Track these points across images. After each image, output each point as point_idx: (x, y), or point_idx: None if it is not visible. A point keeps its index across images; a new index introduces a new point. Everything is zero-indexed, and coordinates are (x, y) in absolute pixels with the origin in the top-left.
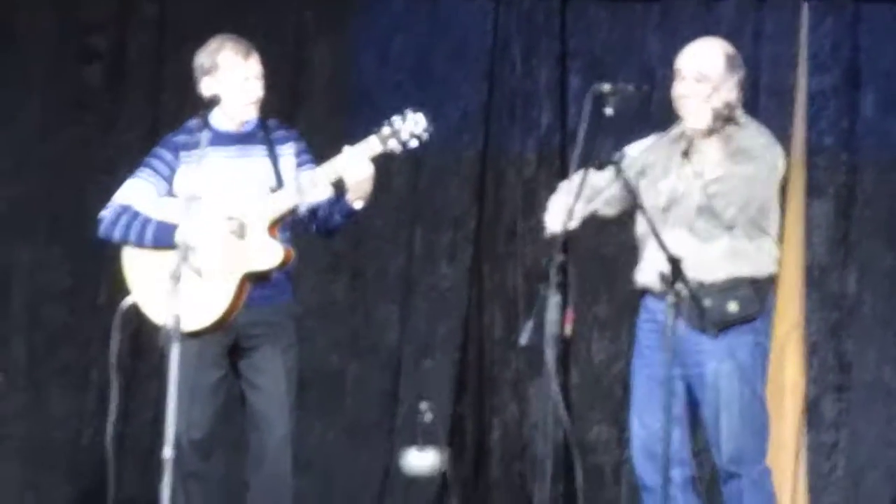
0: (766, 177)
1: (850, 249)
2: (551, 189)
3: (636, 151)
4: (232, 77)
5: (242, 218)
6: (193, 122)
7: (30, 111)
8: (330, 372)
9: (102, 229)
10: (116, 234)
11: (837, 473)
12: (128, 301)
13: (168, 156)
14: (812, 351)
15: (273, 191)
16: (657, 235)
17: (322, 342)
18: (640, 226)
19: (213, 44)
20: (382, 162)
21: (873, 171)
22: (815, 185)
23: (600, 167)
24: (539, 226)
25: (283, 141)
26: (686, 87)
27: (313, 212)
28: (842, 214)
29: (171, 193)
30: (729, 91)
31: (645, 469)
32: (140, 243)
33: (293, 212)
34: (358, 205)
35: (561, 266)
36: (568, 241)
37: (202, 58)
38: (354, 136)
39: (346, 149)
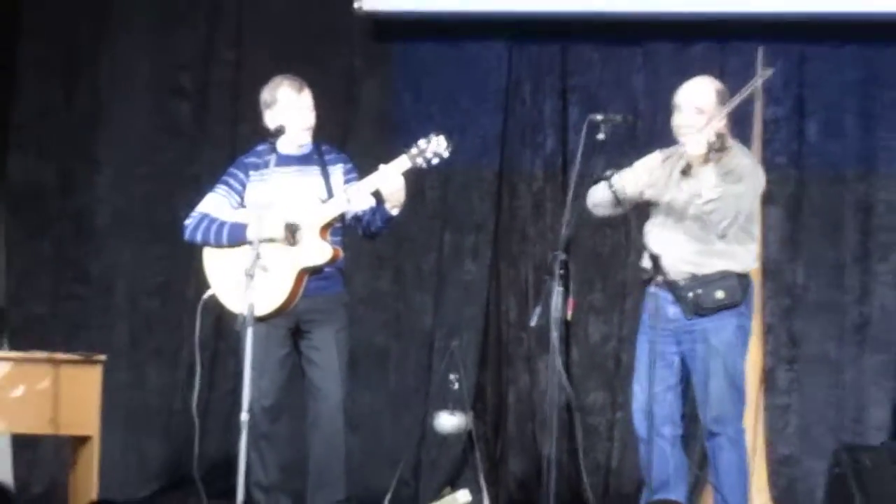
0: (753, 193)
1: (798, 248)
2: (556, 201)
3: (642, 167)
4: (289, 108)
5: (299, 223)
6: (262, 147)
7: (133, 137)
8: (376, 350)
9: (187, 234)
10: (198, 237)
11: (789, 430)
12: (208, 293)
13: (240, 174)
14: (767, 330)
15: (324, 202)
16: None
17: (369, 325)
18: (647, 226)
19: (273, 82)
20: (416, 177)
21: (817, 184)
22: (770, 195)
23: (596, 181)
24: (546, 229)
25: (334, 161)
26: (684, 118)
27: (358, 218)
28: (791, 219)
29: (242, 205)
30: (720, 122)
31: (641, 425)
32: (218, 244)
33: (341, 218)
34: (395, 212)
35: (563, 262)
36: (569, 242)
37: (265, 94)
38: (394, 158)
39: (382, 166)
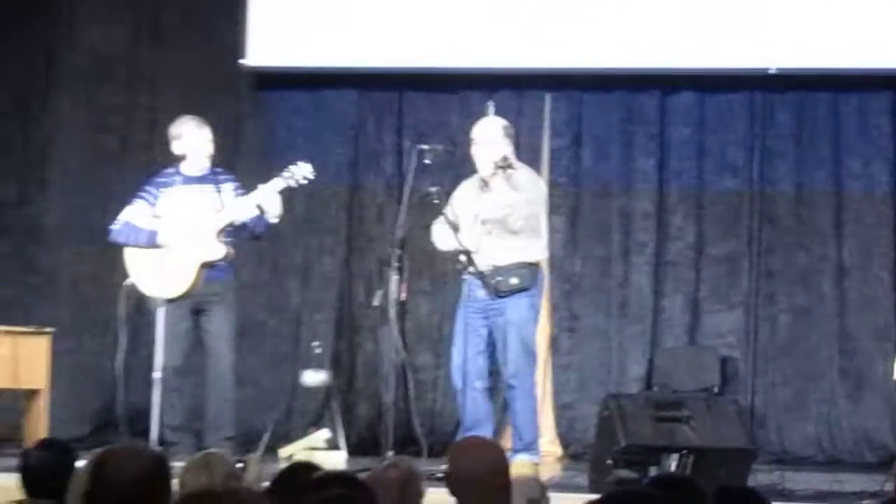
0: (536, 198)
1: (577, 246)
2: (393, 210)
3: (458, 192)
4: (192, 141)
5: (197, 227)
6: (170, 170)
7: (74, 163)
8: (257, 323)
9: (112, 236)
10: (121, 239)
11: (570, 383)
12: (128, 281)
13: (153, 190)
14: (554, 308)
15: (218, 212)
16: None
17: (252, 304)
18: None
19: (180, 120)
20: (288, 194)
21: (590, 198)
22: (555, 206)
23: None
24: (386, 232)
25: (226, 181)
26: (478, 149)
27: (244, 225)
28: (571, 224)
29: (155, 214)
30: (505, 148)
31: (458, 380)
32: (136, 245)
33: (231, 224)
34: (273, 220)
35: (399, 257)
36: (404, 241)
37: (173, 129)
38: (271, 180)
39: (261, 185)
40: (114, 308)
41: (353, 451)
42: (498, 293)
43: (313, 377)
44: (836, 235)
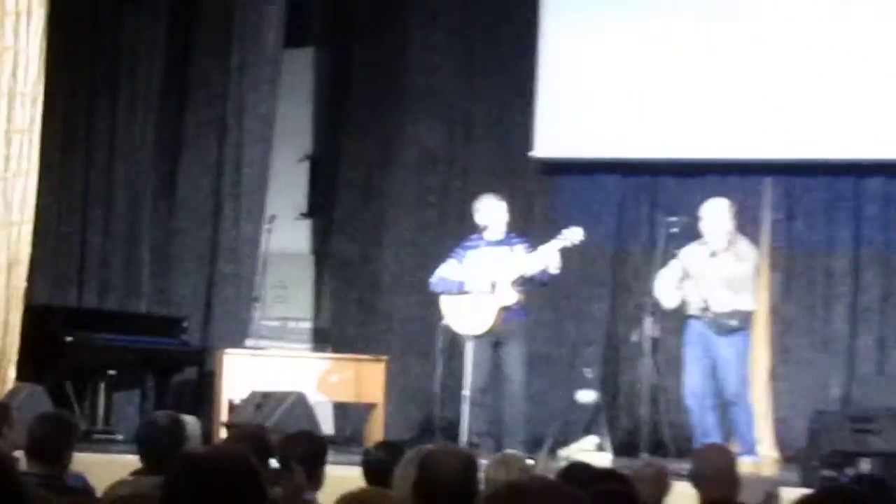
0: (753, 265)
1: (790, 295)
2: (647, 266)
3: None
4: (491, 213)
5: (496, 279)
6: (476, 236)
7: None
8: (542, 354)
9: (431, 287)
10: (438, 289)
11: (785, 403)
12: (444, 321)
13: (462, 252)
14: (773, 343)
15: (513, 266)
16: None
17: (539, 339)
18: None
19: (483, 197)
20: (567, 253)
21: (802, 259)
22: (774, 264)
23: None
24: (641, 283)
25: (518, 243)
26: (705, 224)
27: (532, 277)
28: (786, 278)
29: (462, 270)
30: (728, 223)
31: (691, 403)
32: (449, 292)
33: (522, 276)
34: (554, 272)
35: (653, 304)
36: None
37: (476, 204)
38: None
39: (543, 246)
40: (433, 342)
41: (616, 453)
42: (722, 331)
43: (585, 396)
44: None
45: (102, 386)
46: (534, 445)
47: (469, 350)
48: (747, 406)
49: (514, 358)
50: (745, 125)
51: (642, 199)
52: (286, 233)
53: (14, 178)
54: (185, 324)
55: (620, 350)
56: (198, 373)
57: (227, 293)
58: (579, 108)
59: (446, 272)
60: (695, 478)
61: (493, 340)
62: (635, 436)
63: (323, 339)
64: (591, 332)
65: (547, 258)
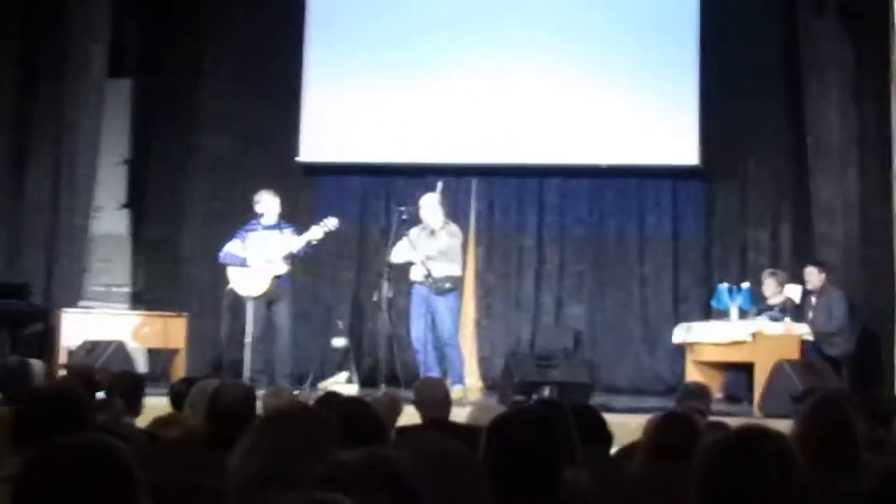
0: (459, 242)
1: (490, 265)
2: (384, 243)
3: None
4: (268, 204)
5: (269, 256)
6: (255, 221)
7: None
8: (304, 311)
9: (220, 259)
10: (226, 261)
11: (487, 346)
12: (230, 286)
13: (243, 233)
14: (477, 301)
15: (283, 245)
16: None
17: (304, 301)
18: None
19: (260, 192)
20: (324, 236)
21: (499, 238)
22: (478, 242)
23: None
24: (381, 257)
25: (286, 227)
26: (424, 212)
27: (297, 253)
28: (487, 253)
29: (244, 246)
30: (438, 210)
31: (417, 344)
32: (233, 265)
33: (291, 253)
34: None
35: (388, 272)
36: (391, 263)
37: (256, 197)
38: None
39: (309, 231)
40: (221, 303)
41: (361, 385)
42: (439, 292)
43: (338, 342)
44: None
45: None
46: (298, 380)
47: (249, 308)
48: (458, 348)
49: (283, 314)
50: (458, 138)
51: (380, 194)
52: (109, 220)
53: None
54: (31, 289)
55: (364, 307)
56: (42, 327)
57: (63, 266)
58: (334, 123)
59: (231, 248)
60: (418, 403)
61: (268, 301)
62: (375, 371)
63: (138, 300)
64: (342, 294)
65: (309, 239)
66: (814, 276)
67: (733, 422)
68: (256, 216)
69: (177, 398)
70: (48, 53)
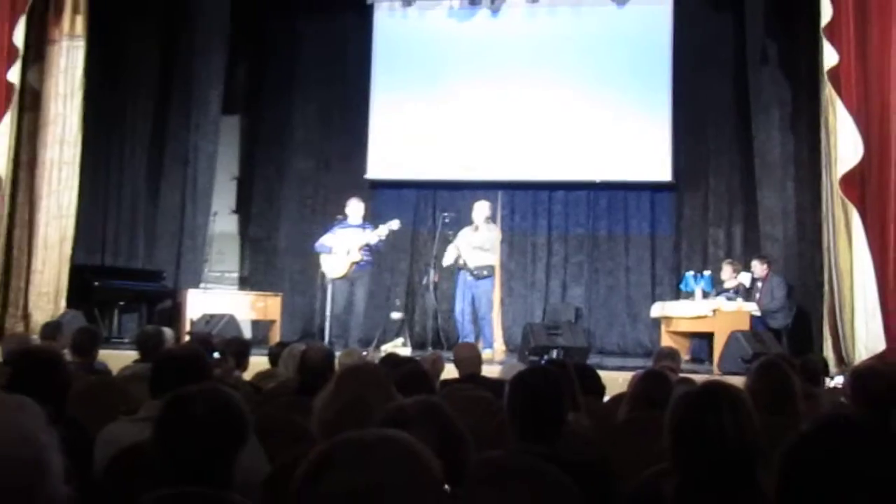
0: (497, 237)
1: (512, 257)
2: (433, 242)
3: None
4: (352, 208)
5: (350, 246)
6: (341, 218)
7: None
8: (372, 291)
9: (315, 249)
10: (318, 250)
11: (509, 318)
12: (321, 270)
13: (334, 230)
14: (502, 284)
15: (361, 239)
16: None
17: (371, 282)
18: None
19: (349, 200)
20: (391, 232)
21: (518, 237)
22: (504, 239)
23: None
24: (429, 252)
25: (366, 227)
26: (475, 214)
27: (371, 245)
28: (510, 247)
29: (333, 240)
30: (485, 214)
31: (458, 317)
32: (324, 252)
33: (367, 244)
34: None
35: (434, 263)
36: (437, 256)
37: (347, 202)
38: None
39: (379, 228)
40: (308, 286)
41: (413, 348)
42: (477, 277)
43: (395, 314)
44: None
45: (116, 311)
46: (366, 343)
47: (331, 287)
48: (490, 321)
49: (360, 293)
50: (488, 160)
51: (428, 203)
52: (223, 222)
53: (63, 191)
54: (164, 274)
55: (415, 289)
56: (171, 303)
57: (188, 257)
58: (393, 149)
59: (323, 240)
60: (456, 362)
61: (350, 281)
62: (424, 338)
63: (244, 283)
64: (399, 278)
65: (378, 234)
66: (758, 267)
67: (698, 378)
68: (345, 217)
69: (274, 358)
70: (179, 94)
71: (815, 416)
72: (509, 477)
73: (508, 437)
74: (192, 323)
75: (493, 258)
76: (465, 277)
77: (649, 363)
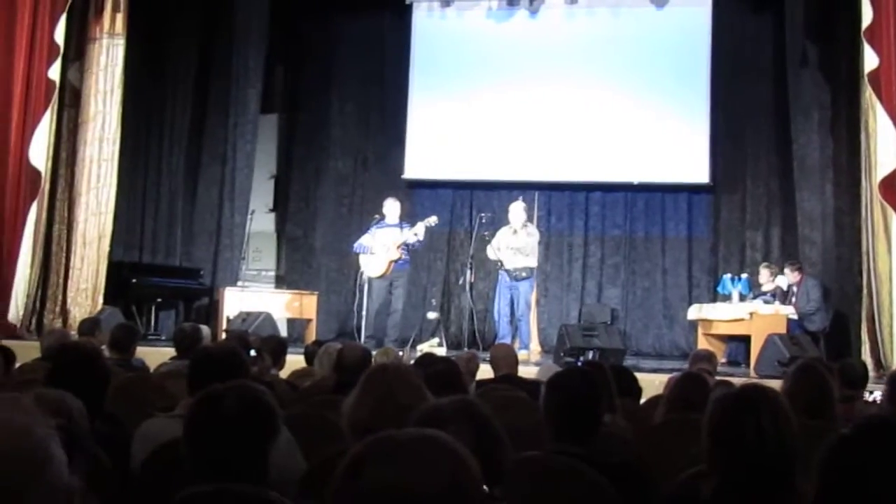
0: (535, 239)
1: (548, 258)
2: (470, 241)
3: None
4: (391, 207)
5: (389, 245)
6: (379, 218)
7: None
8: (407, 290)
9: (354, 249)
10: (357, 250)
11: (545, 320)
12: (360, 270)
13: (373, 230)
14: (538, 286)
15: (399, 237)
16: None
17: (418, 281)
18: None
19: (386, 200)
20: (428, 231)
21: (555, 238)
22: (541, 240)
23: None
24: (466, 251)
25: (403, 226)
26: (511, 216)
27: (409, 244)
28: (546, 249)
29: (372, 238)
30: (522, 215)
31: (496, 316)
32: (362, 253)
33: (405, 243)
34: (420, 241)
35: (470, 263)
36: (472, 255)
37: (384, 203)
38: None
39: (416, 225)
40: (344, 285)
41: (449, 348)
42: (516, 279)
43: (431, 314)
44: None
45: (153, 308)
46: (402, 343)
47: (367, 286)
48: (527, 321)
49: (398, 293)
50: (525, 161)
51: (465, 203)
52: (260, 220)
53: (102, 188)
54: (201, 272)
55: (451, 289)
56: (209, 301)
57: (225, 255)
58: (430, 149)
59: (362, 240)
60: (493, 362)
61: (389, 281)
62: (460, 338)
63: (281, 281)
64: (435, 278)
65: (415, 232)
66: (790, 274)
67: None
68: (382, 217)
69: (309, 356)
70: (217, 92)
71: (854, 419)
72: (546, 477)
73: (545, 437)
74: (229, 321)
75: (532, 261)
76: (504, 278)
77: (685, 366)
